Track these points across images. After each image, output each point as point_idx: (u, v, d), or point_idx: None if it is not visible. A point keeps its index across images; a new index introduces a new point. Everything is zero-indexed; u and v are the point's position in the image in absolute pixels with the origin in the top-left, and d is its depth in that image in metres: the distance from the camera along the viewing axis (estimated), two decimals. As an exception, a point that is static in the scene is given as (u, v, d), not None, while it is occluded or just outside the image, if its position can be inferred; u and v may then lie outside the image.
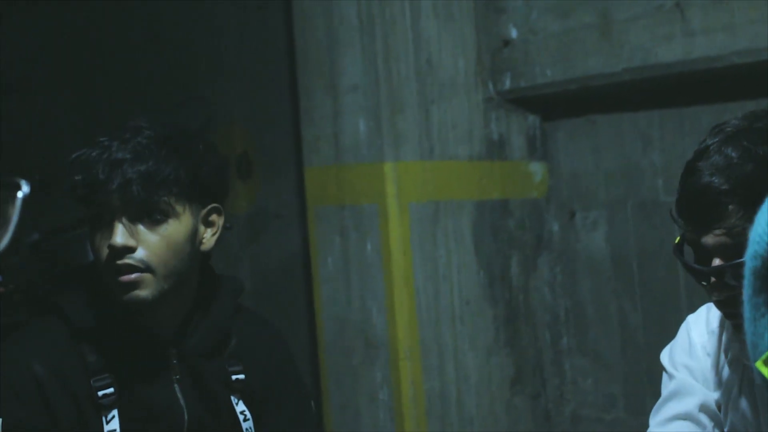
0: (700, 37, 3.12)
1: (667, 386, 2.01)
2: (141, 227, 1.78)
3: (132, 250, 1.77)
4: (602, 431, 3.70)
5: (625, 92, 3.49)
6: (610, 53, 3.33)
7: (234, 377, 1.89)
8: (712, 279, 1.71)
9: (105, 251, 1.78)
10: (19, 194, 0.89)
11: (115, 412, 1.78)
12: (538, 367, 3.76)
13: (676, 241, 1.86)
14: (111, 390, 1.78)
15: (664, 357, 2.07)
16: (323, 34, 3.56)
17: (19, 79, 4.93)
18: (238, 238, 4.33)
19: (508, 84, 3.64)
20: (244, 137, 4.36)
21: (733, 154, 1.67)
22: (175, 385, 1.84)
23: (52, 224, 3.02)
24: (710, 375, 1.93)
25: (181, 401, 1.84)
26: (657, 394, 3.61)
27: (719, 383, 1.91)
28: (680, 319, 3.51)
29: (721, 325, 1.95)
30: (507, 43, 3.64)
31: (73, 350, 1.79)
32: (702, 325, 2.03)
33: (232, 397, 1.89)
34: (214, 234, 1.91)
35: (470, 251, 3.60)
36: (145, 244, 1.78)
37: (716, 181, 1.66)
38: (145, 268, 1.78)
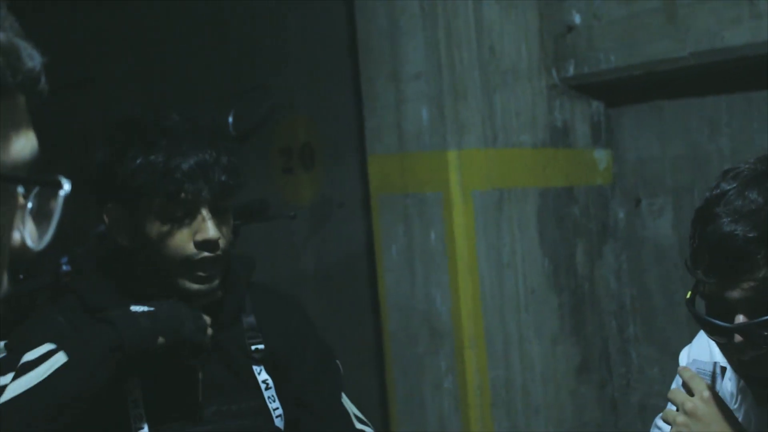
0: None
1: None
2: (215, 219, 1.84)
3: (218, 243, 1.83)
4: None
5: (692, 77, 3.43)
6: (676, 37, 3.29)
7: (254, 347, 1.94)
8: (737, 337, 1.56)
9: (189, 247, 1.82)
10: (61, 193, 0.91)
11: (136, 381, 1.84)
12: (604, 356, 3.73)
13: (688, 295, 1.70)
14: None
15: (683, 357, 2.02)
16: (385, 22, 3.56)
17: (87, 74, 5.00)
18: (301, 228, 4.35)
19: (571, 71, 3.61)
20: (306, 127, 4.38)
21: (759, 199, 1.52)
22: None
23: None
24: (725, 385, 1.86)
25: (199, 373, 1.89)
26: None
27: (731, 393, 1.84)
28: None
29: None
30: (570, 29, 3.61)
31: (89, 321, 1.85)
32: None
33: (254, 367, 1.93)
34: None
35: (535, 239, 3.58)
36: (222, 235, 1.85)
37: (741, 228, 1.51)
38: (224, 258, 1.85)
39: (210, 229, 1.82)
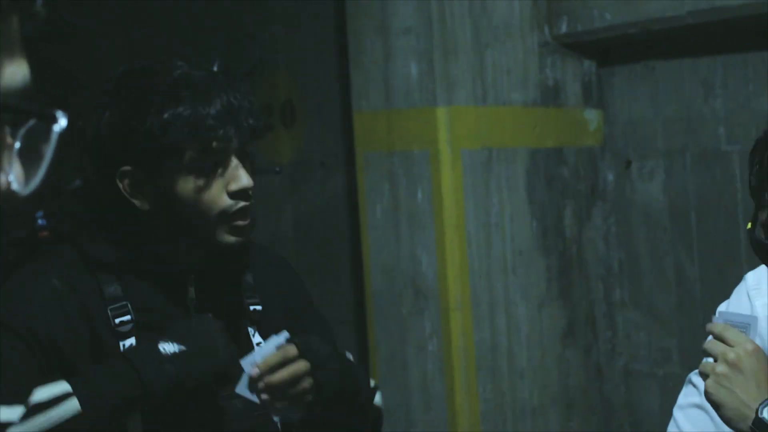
0: (769, -21, 3.00)
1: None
2: (244, 166, 1.76)
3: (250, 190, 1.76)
4: (655, 385, 3.62)
5: (688, 37, 3.37)
6: (674, -5, 3.22)
7: (252, 308, 1.86)
8: None
9: (224, 198, 1.73)
10: (56, 128, 0.81)
11: (132, 340, 1.75)
12: (590, 320, 3.68)
13: (749, 225, 1.72)
14: (128, 317, 1.75)
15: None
16: (374, -26, 3.46)
17: (64, 25, 4.86)
18: (281, 185, 4.27)
19: (564, 28, 3.53)
20: (287, 84, 4.29)
21: None
22: (191, 311, 1.81)
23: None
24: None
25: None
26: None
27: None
28: (739, 274, 3.42)
29: None
30: (564, -15, 3.53)
31: (89, 280, 1.77)
32: (765, 290, 1.92)
33: (249, 329, 1.85)
34: None
35: (523, 200, 3.51)
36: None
37: None
38: (253, 208, 1.77)
39: (243, 177, 1.73)
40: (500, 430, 3.46)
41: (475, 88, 3.40)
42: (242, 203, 1.74)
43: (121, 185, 1.74)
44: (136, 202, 1.75)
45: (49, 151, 0.81)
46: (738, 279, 3.54)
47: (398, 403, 3.49)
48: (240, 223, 1.75)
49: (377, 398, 1.95)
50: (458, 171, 3.37)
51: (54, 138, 0.80)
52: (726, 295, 3.47)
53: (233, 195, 1.73)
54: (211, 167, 1.73)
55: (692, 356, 3.54)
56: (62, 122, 0.81)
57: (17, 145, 0.80)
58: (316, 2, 4.14)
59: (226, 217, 1.74)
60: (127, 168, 1.73)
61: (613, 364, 3.72)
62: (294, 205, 4.30)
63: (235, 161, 1.74)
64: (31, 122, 0.80)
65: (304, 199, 4.27)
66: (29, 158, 0.80)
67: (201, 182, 1.72)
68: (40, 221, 2.85)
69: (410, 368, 3.50)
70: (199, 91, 1.71)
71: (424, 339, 3.45)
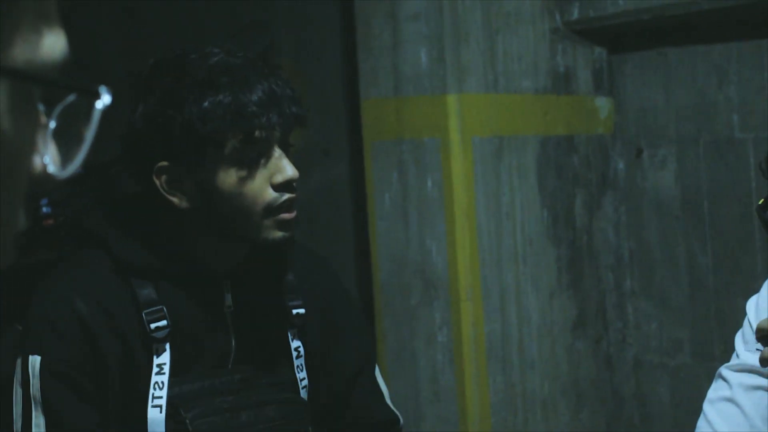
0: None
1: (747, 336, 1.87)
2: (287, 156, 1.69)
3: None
4: (666, 377, 3.58)
5: (701, 23, 3.31)
6: (689, -19, 3.16)
7: (294, 311, 1.78)
8: None
9: (268, 191, 1.65)
10: (98, 104, 0.74)
11: (167, 345, 1.67)
12: (601, 310, 3.63)
13: (761, 202, 1.67)
14: (164, 323, 1.66)
15: (750, 307, 1.92)
16: (383, -41, 3.40)
17: (63, 11, 4.78)
18: (285, 175, 4.21)
19: (576, 13, 3.47)
20: (290, 70, 4.22)
21: None
22: (228, 318, 1.73)
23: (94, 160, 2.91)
24: None
25: (231, 334, 1.73)
26: (726, 339, 3.47)
27: None
28: (754, 263, 3.38)
29: None
30: (574, -30, 3.47)
31: (120, 284, 1.68)
32: None
33: (289, 333, 1.78)
34: None
35: (534, 189, 3.46)
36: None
37: None
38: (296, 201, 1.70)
39: (288, 168, 1.65)
40: (510, 422, 3.42)
41: (486, 75, 3.35)
42: (288, 195, 1.66)
43: (158, 182, 1.66)
44: (174, 199, 1.66)
45: (91, 131, 0.75)
46: (752, 268, 3.50)
47: (407, 395, 3.44)
48: (286, 216, 1.66)
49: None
50: (469, 159, 3.32)
51: (97, 116, 0.74)
52: (739, 284, 3.43)
53: (278, 187, 1.65)
54: (254, 158, 1.64)
55: (705, 346, 3.50)
56: (105, 99, 0.75)
57: (52, 124, 0.74)
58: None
59: (272, 210, 1.65)
60: (164, 163, 1.65)
61: (624, 355, 3.67)
62: (298, 193, 4.23)
63: (278, 151, 1.66)
64: (68, 99, 0.74)
65: (307, 188, 4.21)
66: (66, 138, 0.75)
67: (243, 174, 1.64)
68: (44, 209, 2.79)
69: (419, 360, 3.45)
70: (239, 77, 1.63)
71: (433, 330, 3.40)
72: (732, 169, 3.36)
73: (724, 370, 1.88)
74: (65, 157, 0.75)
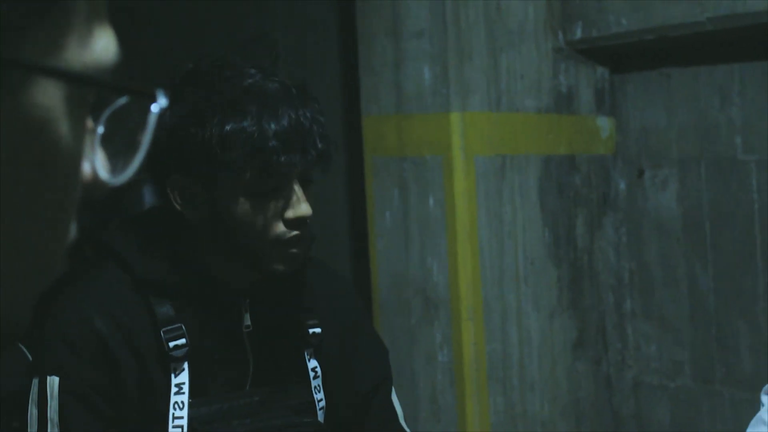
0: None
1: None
2: (305, 192, 1.64)
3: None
4: (666, 398, 3.56)
5: (704, 44, 3.31)
6: (694, 1, 3.15)
7: (311, 330, 1.75)
8: None
9: (278, 225, 1.61)
10: (154, 108, 0.71)
11: (185, 364, 1.63)
12: (601, 331, 3.61)
13: None
14: (183, 341, 1.63)
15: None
16: (386, -24, 3.39)
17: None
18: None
19: (579, 33, 3.46)
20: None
21: None
22: (245, 337, 1.70)
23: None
24: None
25: (249, 353, 1.71)
26: (727, 362, 3.45)
27: None
28: (755, 286, 3.36)
29: None
30: (578, -11, 3.47)
31: (138, 301, 1.65)
32: None
33: (305, 353, 1.75)
34: None
35: (536, 208, 3.44)
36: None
37: None
38: (311, 235, 1.66)
39: (302, 206, 1.61)
40: (510, 443, 3.39)
41: (489, 93, 3.33)
42: (296, 232, 1.62)
43: (172, 194, 1.63)
44: (187, 213, 1.64)
45: (146, 135, 0.72)
46: (753, 290, 3.48)
47: (407, 414, 3.39)
48: (293, 251, 1.63)
49: None
50: (471, 178, 3.30)
51: (153, 120, 0.71)
52: (741, 306, 3.41)
53: (289, 223, 1.62)
54: (270, 190, 1.61)
55: (705, 368, 3.49)
56: (162, 101, 0.72)
57: (100, 130, 0.70)
58: (319, 3, 4.06)
59: (279, 244, 1.62)
60: (176, 176, 1.63)
61: (624, 376, 3.65)
62: (294, 210, 4.21)
63: (296, 186, 1.62)
64: (117, 103, 0.71)
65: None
66: (116, 144, 0.71)
67: (256, 203, 1.61)
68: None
69: (419, 379, 3.42)
70: (269, 105, 1.58)
71: (434, 349, 3.37)
72: (734, 191, 3.35)
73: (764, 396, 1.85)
74: (115, 162, 0.73)
